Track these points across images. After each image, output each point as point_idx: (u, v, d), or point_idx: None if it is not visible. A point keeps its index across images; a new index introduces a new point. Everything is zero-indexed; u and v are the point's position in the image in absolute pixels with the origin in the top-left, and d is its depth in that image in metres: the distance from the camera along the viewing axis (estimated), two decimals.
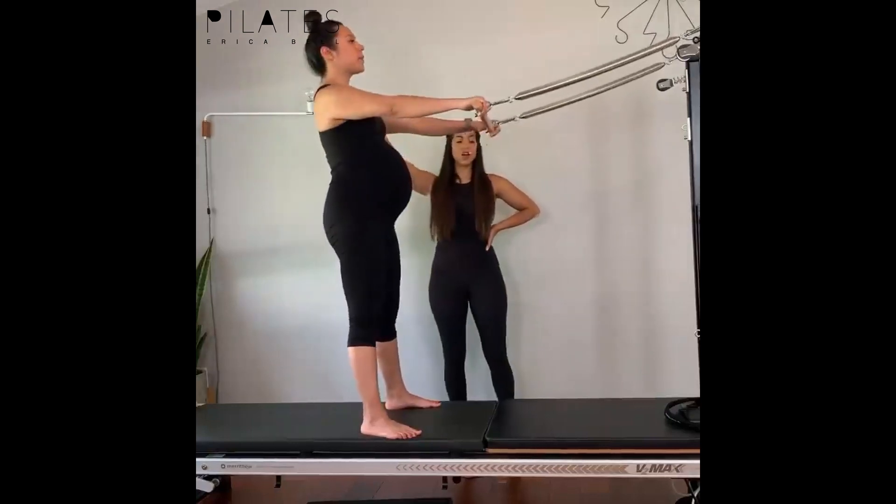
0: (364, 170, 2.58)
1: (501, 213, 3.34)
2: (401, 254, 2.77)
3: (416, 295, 3.42)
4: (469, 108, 2.55)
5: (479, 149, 3.24)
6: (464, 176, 3.26)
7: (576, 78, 2.65)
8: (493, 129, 2.76)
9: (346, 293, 2.57)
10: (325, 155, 2.62)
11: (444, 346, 3.29)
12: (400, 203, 2.68)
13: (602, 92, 2.64)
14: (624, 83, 2.61)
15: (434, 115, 2.70)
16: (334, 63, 2.62)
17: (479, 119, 2.69)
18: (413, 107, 2.55)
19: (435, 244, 3.27)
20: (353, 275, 2.55)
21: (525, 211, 3.36)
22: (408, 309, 3.32)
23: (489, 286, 3.22)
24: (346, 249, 2.55)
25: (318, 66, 2.65)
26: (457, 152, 3.19)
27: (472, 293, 3.21)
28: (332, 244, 2.60)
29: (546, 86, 2.69)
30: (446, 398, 3.20)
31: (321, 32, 2.63)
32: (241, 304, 3.76)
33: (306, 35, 2.68)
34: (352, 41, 2.63)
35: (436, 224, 3.22)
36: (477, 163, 3.24)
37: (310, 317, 3.61)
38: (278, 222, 3.68)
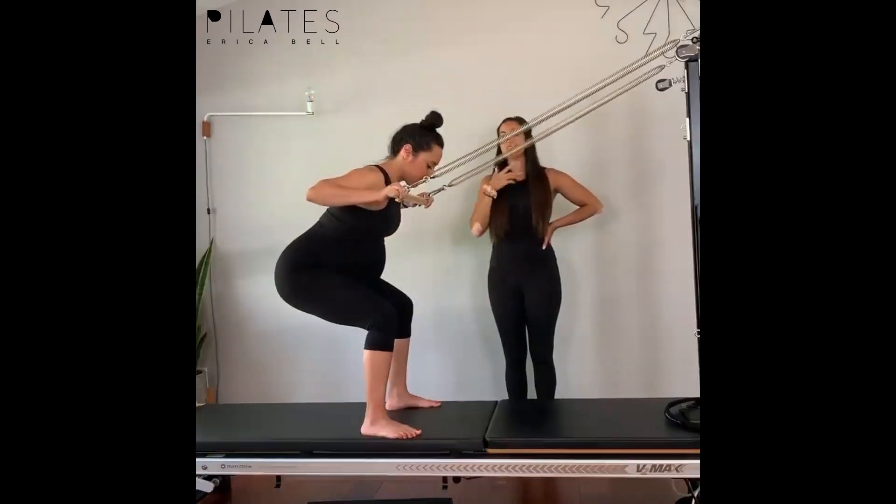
0: (348, 245, 2.59)
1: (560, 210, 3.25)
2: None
3: (422, 295, 3.42)
4: (387, 199, 2.51)
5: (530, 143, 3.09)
6: (517, 172, 3.13)
7: (569, 103, 2.60)
8: (427, 202, 2.69)
9: (347, 323, 2.59)
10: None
11: (503, 346, 3.24)
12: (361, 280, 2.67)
13: (603, 104, 2.59)
14: (625, 91, 2.58)
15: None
16: (400, 163, 2.63)
17: (407, 197, 2.62)
18: (331, 197, 2.48)
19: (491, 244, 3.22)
20: (336, 306, 2.58)
21: (585, 207, 3.22)
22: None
23: (541, 286, 3.13)
24: (311, 298, 2.58)
25: (394, 149, 2.66)
26: (503, 148, 3.04)
27: (525, 292, 3.14)
28: (289, 299, 2.60)
29: (463, 156, 2.68)
30: (447, 398, 3.19)
31: (423, 134, 2.63)
32: (241, 304, 3.76)
33: (419, 122, 2.65)
34: (430, 167, 2.64)
35: (491, 225, 3.15)
36: (530, 157, 3.14)
37: (309, 317, 3.60)
38: (278, 222, 3.68)
